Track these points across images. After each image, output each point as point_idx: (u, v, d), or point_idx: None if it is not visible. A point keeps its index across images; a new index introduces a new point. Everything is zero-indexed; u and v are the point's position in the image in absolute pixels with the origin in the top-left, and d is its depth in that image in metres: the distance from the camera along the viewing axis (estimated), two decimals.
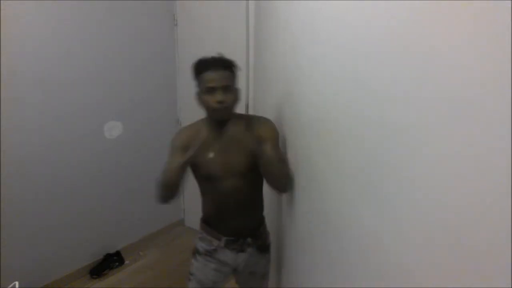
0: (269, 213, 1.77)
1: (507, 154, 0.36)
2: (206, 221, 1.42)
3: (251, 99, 2.31)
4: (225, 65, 1.22)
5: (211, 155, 1.25)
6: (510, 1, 0.35)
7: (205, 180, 1.33)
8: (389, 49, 0.60)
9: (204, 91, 1.20)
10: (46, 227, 2.11)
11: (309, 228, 1.12)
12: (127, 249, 2.58)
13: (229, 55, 2.31)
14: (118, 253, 2.50)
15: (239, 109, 2.32)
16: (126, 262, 2.50)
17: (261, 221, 1.48)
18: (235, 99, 1.25)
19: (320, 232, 1.02)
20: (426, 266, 0.52)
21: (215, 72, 1.19)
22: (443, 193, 0.48)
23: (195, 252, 1.44)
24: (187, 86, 2.65)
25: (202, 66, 1.21)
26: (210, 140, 1.25)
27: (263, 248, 1.46)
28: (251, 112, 2.32)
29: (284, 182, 1.26)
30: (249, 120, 1.32)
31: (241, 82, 2.30)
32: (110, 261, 2.43)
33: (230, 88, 1.21)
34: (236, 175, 1.28)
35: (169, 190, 1.23)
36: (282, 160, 1.29)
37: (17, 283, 1.82)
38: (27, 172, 1.97)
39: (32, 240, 2.06)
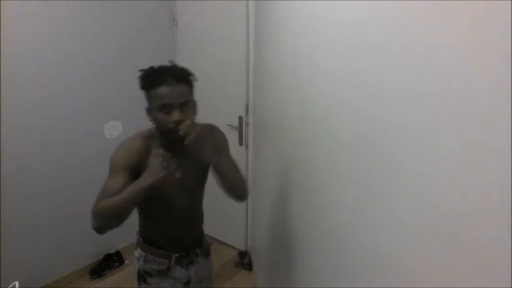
0: (268, 213, 1.77)
1: (507, 154, 0.36)
2: (151, 242, 1.28)
3: (251, 99, 2.31)
4: (181, 78, 1.06)
5: (177, 174, 1.07)
6: (510, 1, 0.35)
7: (156, 199, 1.14)
8: (389, 49, 0.60)
9: (158, 108, 1.04)
10: (46, 227, 2.11)
11: (309, 228, 1.12)
12: (127, 249, 2.57)
13: (229, 55, 2.32)
14: (118, 253, 2.50)
15: (239, 108, 2.34)
16: (126, 262, 2.50)
17: (202, 230, 1.42)
18: (193, 115, 1.10)
19: (320, 232, 1.02)
20: (426, 266, 0.52)
21: (171, 86, 1.02)
22: (443, 193, 0.48)
23: (143, 276, 1.28)
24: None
25: (154, 79, 1.05)
26: (167, 158, 1.03)
27: (207, 253, 1.44)
28: (251, 112, 2.32)
29: (241, 190, 1.22)
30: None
31: (241, 82, 2.31)
32: (110, 261, 2.43)
33: (187, 104, 1.06)
34: (191, 192, 1.23)
35: (116, 219, 1.05)
36: (236, 169, 1.21)
37: (17, 283, 1.82)
38: (27, 172, 1.97)
39: (32, 240, 2.06)
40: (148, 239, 1.29)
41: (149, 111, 1.11)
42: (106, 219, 1.06)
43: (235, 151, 2.43)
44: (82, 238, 2.31)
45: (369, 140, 0.69)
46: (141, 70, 1.10)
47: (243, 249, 2.63)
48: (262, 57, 1.90)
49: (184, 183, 1.17)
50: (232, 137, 2.43)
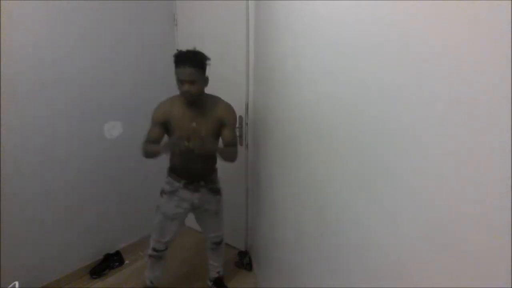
0: (268, 212, 1.77)
1: (507, 154, 0.36)
2: (172, 169, 1.86)
3: (251, 99, 2.31)
4: (192, 63, 1.56)
5: (193, 124, 1.69)
6: (510, 1, 0.35)
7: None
8: (389, 49, 0.60)
9: (177, 81, 1.61)
10: (46, 227, 2.10)
11: (309, 228, 1.12)
12: (127, 249, 2.57)
13: (229, 55, 2.32)
14: (118, 253, 2.49)
15: (239, 108, 2.34)
16: (126, 262, 2.50)
17: (212, 170, 1.91)
18: (201, 87, 1.66)
19: (320, 231, 1.02)
20: (423, 265, 0.52)
21: (184, 68, 1.55)
22: (441, 193, 0.48)
23: (162, 191, 1.86)
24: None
25: (176, 61, 1.58)
26: (186, 113, 1.69)
27: (213, 190, 1.90)
28: (251, 111, 2.32)
29: (231, 159, 1.76)
30: (216, 101, 1.77)
31: (241, 82, 2.31)
32: (110, 261, 2.43)
33: (195, 81, 1.59)
34: (201, 138, 1.65)
35: (151, 156, 1.70)
36: (234, 143, 1.78)
37: (17, 283, 1.82)
38: (26, 172, 1.97)
39: (32, 240, 2.05)
40: (171, 168, 1.88)
41: (176, 79, 1.62)
42: (144, 153, 1.73)
43: None
44: (82, 238, 2.31)
45: (369, 139, 0.69)
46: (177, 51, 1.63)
47: (243, 249, 2.63)
48: (262, 57, 1.90)
49: (195, 130, 1.68)
50: None
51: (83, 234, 2.31)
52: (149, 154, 1.69)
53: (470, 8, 0.41)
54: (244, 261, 2.49)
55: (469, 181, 0.43)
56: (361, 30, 0.70)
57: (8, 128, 1.85)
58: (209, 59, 1.65)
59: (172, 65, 1.62)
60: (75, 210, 2.23)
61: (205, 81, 1.68)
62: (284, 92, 1.38)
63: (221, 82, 2.42)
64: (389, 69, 0.60)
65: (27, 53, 1.88)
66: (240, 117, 2.36)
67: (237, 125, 1.77)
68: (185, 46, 2.59)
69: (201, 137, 1.61)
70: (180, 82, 1.58)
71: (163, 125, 1.72)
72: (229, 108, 1.78)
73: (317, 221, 1.03)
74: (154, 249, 1.93)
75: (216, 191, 1.93)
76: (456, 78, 0.44)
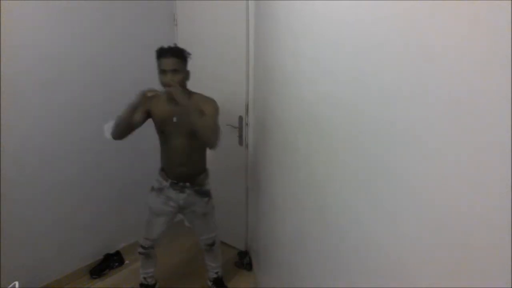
0: (268, 212, 1.77)
1: (507, 154, 0.36)
2: (162, 168, 1.90)
3: (251, 99, 2.31)
4: (174, 54, 1.65)
5: (174, 119, 1.73)
6: (510, 1, 0.35)
7: (162, 135, 1.80)
8: (389, 49, 0.60)
9: (160, 72, 1.65)
10: (46, 227, 2.11)
11: (309, 228, 1.12)
12: (127, 249, 2.57)
13: (229, 55, 2.32)
14: (118, 253, 2.50)
15: (239, 108, 2.34)
16: (126, 262, 2.50)
17: (200, 171, 1.91)
18: (183, 79, 1.70)
19: (319, 231, 1.02)
20: (423, 265, 0.52)
21: (166, 59, 1.62)
22: (441, 193, 0.48)
23: (152, 188, 1.92)
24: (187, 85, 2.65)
25: (159, 53, 1.65)
26: (168, 107, 1.71)
27: (200, 192, 1.90)
28: (251, 111, 2.33)
29: (212, 141, 1.67)
30: (197, 97, 1.77)
31: (241, 82, 2.31)
32: (110, 261, 2.43)
33: (177, 71, 1.65)
34: (185, 135, 1.74)
35: (120, 129, 1.72)
36: (213, 125, 1.69)
37: (17, 283, 1.82)
38: (27, 172, 1.97)
39: (32, 240, 2.06)
40: (162, 166, 1.90)
41: (158, 74, 1.67)
42: (114, 128, 1.74)
43: (235, 151, 2.44)
44: (82, 238, 2.31)
45: (369, 139, 0.69)
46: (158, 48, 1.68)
47: (243, 249, 2.63)
48: (262, 57, 1.90)
49: (178, 126, 1.74)
50: (232, 137, 2.43)
51: (83, 234, 2.31)
52: (119, 126, 1.70)
53: (470, 8, 0.41)
54: (244, 261, 2.49)
55: (469, 181, 0.43)
56: (361, 30, 0.70)
57: (8, 128, 1.85)
58: (190, 53, 1.72)
59: None
60: (75, 210, 2.24)
61: (186, 74, 1.72)
62: (284, 92, 1.38)
63: (221, 82, 2.43)
64: (389, 69, 0.60)
65: (27, 53, 1.88)
66: (240, 117, 2.36)
67: (218, 116, 1.76)
68: (185, 46, 2.60)
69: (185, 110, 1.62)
70: (163, 72, 1.63)
71: (144, 113, 1.74)
72: (209, 100, 1.77)
73: (317, 221, 1.03)
74: (142, 246, 1.98)
75: (204, 193, 1.92)
76: (456, 78, 0.44)
